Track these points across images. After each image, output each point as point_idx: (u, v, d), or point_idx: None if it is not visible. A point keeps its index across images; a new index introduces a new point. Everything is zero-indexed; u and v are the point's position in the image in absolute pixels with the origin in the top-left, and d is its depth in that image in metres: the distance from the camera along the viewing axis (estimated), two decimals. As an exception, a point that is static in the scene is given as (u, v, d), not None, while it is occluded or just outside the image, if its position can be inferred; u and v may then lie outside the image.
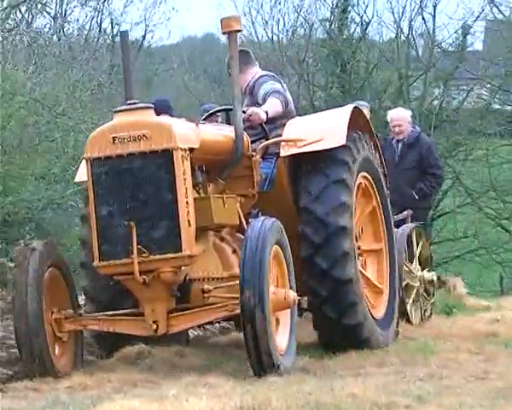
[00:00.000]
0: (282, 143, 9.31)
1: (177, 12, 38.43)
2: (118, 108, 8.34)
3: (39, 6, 27.03)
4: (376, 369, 8.73)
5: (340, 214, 9.11)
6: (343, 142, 9.19)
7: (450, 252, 26.88)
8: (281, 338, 8.37)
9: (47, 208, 18.14)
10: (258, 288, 7.88)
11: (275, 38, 28.28)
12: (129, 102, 8.34)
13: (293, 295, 8.36)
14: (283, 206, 9.24)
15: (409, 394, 7.31)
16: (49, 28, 28.00)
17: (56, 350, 8.54)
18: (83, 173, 8.67)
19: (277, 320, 8.40)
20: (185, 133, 8.39)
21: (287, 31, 28.23)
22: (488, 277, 26.55)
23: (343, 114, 9.46)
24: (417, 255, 11.65)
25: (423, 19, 27.38)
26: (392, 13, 27.36)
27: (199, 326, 10.14)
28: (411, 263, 11.53)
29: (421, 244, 11.77)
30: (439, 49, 27.84)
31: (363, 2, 27.45)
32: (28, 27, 26.57)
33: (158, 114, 9.45)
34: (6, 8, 25.46)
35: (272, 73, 10.37)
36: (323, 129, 9.34)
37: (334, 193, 9.14)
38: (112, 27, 32.01)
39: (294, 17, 28.02)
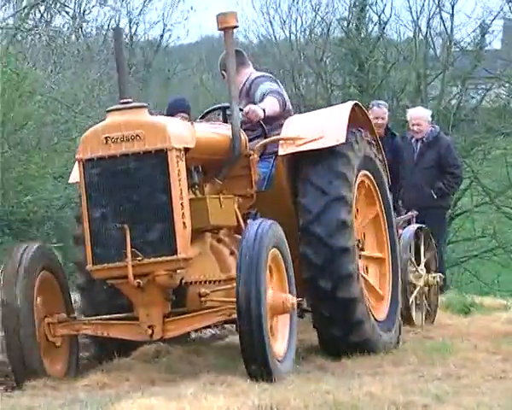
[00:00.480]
0: (281, 142, 9.01)
1: (195, 11, 38.07)
2: (110, 108, 8.08)
3: (58, 5, 26.98)
4: (394, 368, 8.71)
5: (339, 208, 8.77)
6: (343, 140, 8.89)
7: (467, 251, 26.81)
8: (279, 344, 8.08)
9: (65, 207, 18.19)
10: (255, 292, 7.62)
11: (292, 37, 28.21)
12: (122, 100, 8.09)
13: (291, 299, 8.09)
14: (282, 205, 8.97)
15: (427, 393, 7.29)
16: (68, 28, 27.95)
17: (50, 356, 8.25)
18: (76, 174, 8.39)
19: (276, 325, 8.11)
20: (180, 133, 8.12)
21: (304, 30, 28.18)
22: (506, 276, 26.46)
23: (343, 111, 9.15)
24: (423, 257, 11.43)
25: (441, 18, 27.41)
26: (410, 12, 27.35)
27: (196, 330, 9.75)
28: (418, 264, 11.34)
29: (427, 246, 11.52)
30: (457, 49, 27.79)
31: (381, 1, 27.41)
32: (47, 27, 26.59)
33: (175, 113, 9.42)
34: (25, 7, 25.49)
35: (269, 74, 10.10)
36: (323, 127, 9.01)
37: (335, 187, 8.79)
38: (130, 27, 31.95)
39: (312, 16, 28.01)
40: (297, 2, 27.85)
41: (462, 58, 27.77)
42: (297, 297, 8.40)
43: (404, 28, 27.90)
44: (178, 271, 8.01)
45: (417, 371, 8.46)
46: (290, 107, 9.70)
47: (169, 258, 7.83)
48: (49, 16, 27.67)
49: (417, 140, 14.21)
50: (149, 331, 7.99)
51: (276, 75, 28.64)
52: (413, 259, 11.23)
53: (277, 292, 8.05)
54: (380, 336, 9.14)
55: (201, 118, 9.55)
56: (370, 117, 14.54)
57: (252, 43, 31.33)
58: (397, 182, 14.47)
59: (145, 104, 8.08)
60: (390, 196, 9.79)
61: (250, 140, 9.18)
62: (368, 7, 27.48)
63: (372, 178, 9.51)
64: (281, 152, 8.95)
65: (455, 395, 7.26)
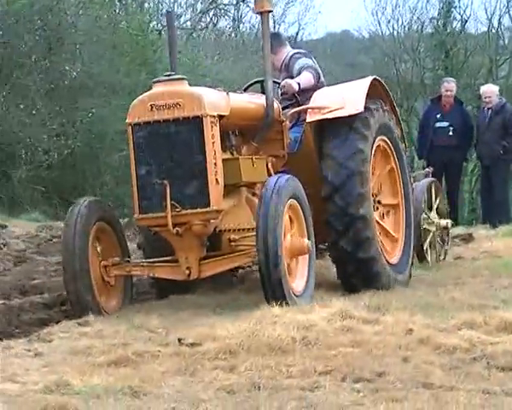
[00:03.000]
0: (309, 110, 8.05)
1: (321, 14, 38.39)
2: (156, 79, 7.33)
3: (222, 11, 27.33)
4: (471, 279, 8.56)
5: (357, 182, 7.79)
6: (361, 109, 7.90)
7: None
8: (298, 281, 7.20)
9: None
10: (273, 235, 6.83)
11: (395, 32, 28.49)
12: (166, 73, 7.37)
13: (307, 243, 7.22)
14: (310, 165, 7.96)
15: (496, 298, 7.17)
16: (229, 27, 28.39)
17: (105, 294, 7.44)
18: None
19: (295, 265, 7.26)
20: (214, 101, 7.27)
21: (404, 27, 28.50)
22: None
23: (362, 85, 8.14)
24: (435, 206, 10.16)
25: (510, 16, 27.04)
26: (486, 12, 27.26)
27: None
28: (430, 211, 10.09)
29: (439, 197, 10.28)
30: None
31: (463, 4, 27.29)
32: (214, 27, 26.90)
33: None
34: (199, 13, 25.81)
35: (304, 51, 9.04)
36: (344, 98, 8.03)
37: (354, 162, 7.82)
38: (273, 27, 32.34)
39: (410, 16, 28.26)
40: (398, 6, 28.17)
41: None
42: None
43: (481, 24, 27.84)
44: (212, 221, 7.22)
45: (489, 282, 8.29)
46: (323, 80, 8.65)
47: (203, 210, 7.09)
48: (215, 19, 28.12)
49: (488, 109, 14.00)
50: (187, 272, 7.24)
51: (382, 61, 28.81)
52: (426, 208, 10.03)
53: (295, 237, 7.25)
54: (395, 280, 8.08)
55: (244, 90, 8.53)
56: (442, 90, 14.38)
57: (364, 38, 31.62)
58: (466, 140, 14.29)
59: (185, 77, 7.36)
60: (404, 154, 8.69)
61: (286, 107, 8.30)
62: (453, 9, 27.38)
63: (388, 141, 8.42)
64: (308, 119, 8.05)
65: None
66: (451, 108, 14.15)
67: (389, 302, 6.81)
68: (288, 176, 7.24)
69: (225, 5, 28.92)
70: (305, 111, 8.14)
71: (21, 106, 16.02)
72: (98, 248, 7.41)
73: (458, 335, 5.87)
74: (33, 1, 16.42)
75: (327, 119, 7.94)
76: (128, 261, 7.53)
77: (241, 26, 30.32)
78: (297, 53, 8.72)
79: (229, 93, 7.56)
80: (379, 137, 8.25)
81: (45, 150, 16.10)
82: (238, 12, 30.02)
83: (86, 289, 7.17)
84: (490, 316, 6.22)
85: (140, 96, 7.28)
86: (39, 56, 16.88)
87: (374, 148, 8.13)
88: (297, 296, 6.99)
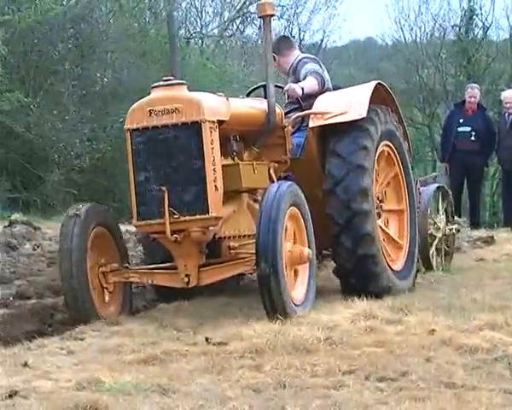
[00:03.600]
0: (311, 116, 7.76)
1: (346, 21, 38.41)
2: (155, 84, 6.96)
3: (249, 19, 27.37)
4: (492, 281, 8.52)
5: (359, 176, 7.51)
6: (364, 114, 7.59)
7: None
8: (298, 290, 6.86)
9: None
10: (272, 243, 6.46)
11: (417, 39, 28.46)
12: (165, 78, 7.02)
13: (307, 252, 6.86)
14: (313, 170, 7.70)
15: (517, 299, 7.13)
16: (256, 35, 28.38)
17: (105, 299, 7.14)
18: None
19: (296, 274, 6.91)
20: (214, 107, 6.95)
21: (426, 34, 28.45)
22: None
23: (366, 90, 7.82)
24: (442, 211, 9.84)
25: (530, 23, 26.83)
26: (507, 19, 27.06)
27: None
28: (437, 216, 9.79)
29: (446, 202, 9.94)
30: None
31: (485, 12, 27.05)
32: (241, 35, 26.96)
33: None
34: (226, 21, 25.88)
35: (313, 56, 8.76)
36: (347, 103, 7.72)
37: (356, 157, 7.55)
38: (299, 33, 32.50)
39: (432, 24, 28.20)
40: (421, 13, 28.10)
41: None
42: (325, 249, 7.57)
43: (502, 32, 27.64)
44: (211, 228, 6.89)
45: (510, 283, 8.24)
46: (330, 85, 8.32)
47: (202, 216, 6.76)
48: (242, 27, 28.17)
49: (509, 114, 13.98)
50: (186, 279, 6.92)
51: (405, 68, 28.76)
52: (432, 214, 9.73)
53: (296, 245, 6.89)
54: (396, 286, 7.71)
55: (248, 94, 8.32)
56: (466, 96, 14.30)
57: (387, 45, 31.60)
58: (488, 145, 14.20)
59: (184, 82, 7.00)
60: (409, 159, 8.36)
61: (289, 112, 8.03)
62: (474, 16, 27.21)
63: (392, 146, 8.11)
64: (311, 124, 7.76)
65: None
66: (474, 113, 14.12)
67: (412, 303, 6.79)
68: (289, 183, 6.96)
69: (252, 13, 29.02)
70: (309, 116, 7.87)
71: (54, 112, 16.10)
72: (97, 255, 7.09)
73: (480, 335, 5.84)
74: (66, 10, 16.52)
75: (329, 124, 7.66)
76: (127, 268, 7.20)
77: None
78: (305, 58, 8.45)
79: (230, 98, 7.29)
80: (383, 143, 7.96)
81: (77, 154, 16.16)
82: (264, 20, 30.18)
83: (84, 296, 6.86)
84: (511, 317, 6.20)
85: (139, 101, 6.95)
86: (72, 64, 16.98)
87: (377, 152, 7.85)
88: (297, 306, 6.66)
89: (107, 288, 7.13)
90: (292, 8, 30.93)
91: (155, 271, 7.16)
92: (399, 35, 29.12)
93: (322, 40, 33.21)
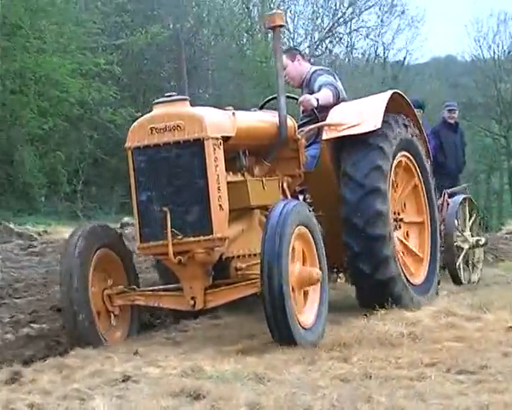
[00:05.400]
0: (325, 128, 7.04)
1: (427, 40, 38.26)
2: (156, 101, 6.23)
3: (337, 39, 27.43)
4: None
5: (374, 199, 6.80)
6: (379, 125, 6.90)
7: None
8: (307, 314, 6.00)
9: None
10: (277, 265, 5.68)
11: (495, 56, 28.18)
12: (166, 94, 6.30)
13: (317, 272, 6.04)
14: (328, 183, 6.98)
15: None
16: (343, 54, 28.47)
17: (111, 322, 6.35)
18: None
19: (305, 296, 6.09)
20: (217, 122, 6.19)
21: (504, 50, 28.24)
22: None
23: (381, 100, 7.12)
24: (469, 223, 9.12)
25: None
26: None
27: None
28: (464, 230, 9.08)
29: (474, 213, 9.21)
30: None
31: None
32: (330, 54, 26.98)
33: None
34: (316, 41, 25.93)
35: (327, 68, 7.98)
36: (362, 114, 7.01)
37: (371, 180, 6.83)
38: (383, 52, 32.68)
39: (510, 41, 27.97)
40: (499, 32, 27.99)
41: None
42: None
43: None
44: (216, 248, 6.09)
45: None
46: (344, 97, 7.53)
47: (206, 237, 5.97)
48: (331, 46, 28.27)
49: None
50: (192, 302, 6.13)
51: (483, 82, 28.29)
52: (459, 226, 8.98)
53: (305, 266, 6.10)
54: (418, 301, 6.96)
55: (260, 108, 7.48)
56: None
57: (467, 61, 31.41)
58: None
59: (187, 97, 6.24)
60: (429, 169, 7.59)
61: (304, 124, 7.30)
62: None
63: (410, 156, 7.39)
64: (324, 137, 7.03)
65: None
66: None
67: (490, 302, 6.67)
68: (296, 202, 6.23)
69: (340, 33, 29.09)
70: (323, 128, 7.15)
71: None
72: (102, 277, 6.34)
73: (556, 333, 5.70)
74: (173, 34, 16.83)
75: (344, 136, 6.97)
76: (133, 289, 6.40)
77: (354, 51, 30.55)
78: (319, 70, 7.70)
79: (237, 112, 6.50)
80: (400, 153, 7.24)
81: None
82: (351, 40, 30.22)
83: (86, 321, 6.07)
84: None
85: (140, 119, 6.23)
86: (176, 82, 17.31)
87: (394, 164, 7.15)
88: (305, 330, 5.84)
89: (112, 311, 6.37)
90: (377, 28, 31.04)
91: (162, 293, 6.40)
92: (478, 52, 28.96)
93: (405, 58, 33.22)
